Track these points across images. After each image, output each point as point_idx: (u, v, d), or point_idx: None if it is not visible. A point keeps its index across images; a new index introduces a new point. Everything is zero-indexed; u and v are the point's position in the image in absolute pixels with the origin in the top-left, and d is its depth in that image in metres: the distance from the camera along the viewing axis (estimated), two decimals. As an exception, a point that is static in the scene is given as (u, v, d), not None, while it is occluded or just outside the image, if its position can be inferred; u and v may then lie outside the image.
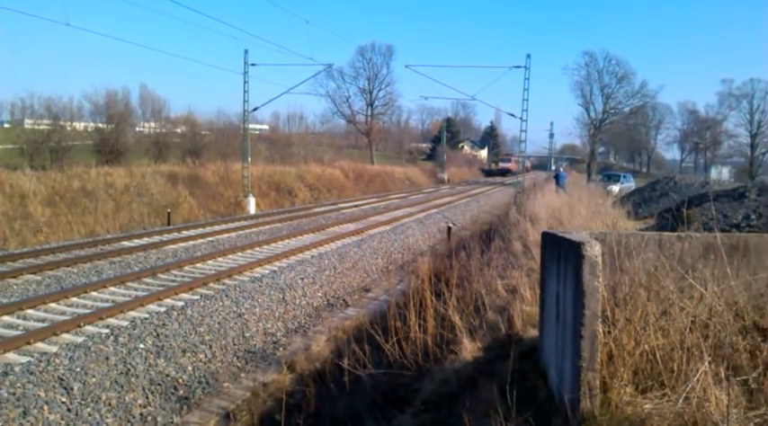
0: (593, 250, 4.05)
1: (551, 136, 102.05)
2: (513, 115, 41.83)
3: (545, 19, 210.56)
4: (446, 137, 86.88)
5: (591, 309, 4.02)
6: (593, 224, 13.99)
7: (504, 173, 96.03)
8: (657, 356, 4.25)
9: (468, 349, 6.80)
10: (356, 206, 34.65)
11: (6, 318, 10.65)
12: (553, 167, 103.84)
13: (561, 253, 4.81)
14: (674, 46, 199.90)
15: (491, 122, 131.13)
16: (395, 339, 8.19)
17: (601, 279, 4.07)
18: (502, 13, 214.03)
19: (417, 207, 34.36)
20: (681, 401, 3.81)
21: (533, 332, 6.59)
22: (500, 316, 7.63)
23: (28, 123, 45.47)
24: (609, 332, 4.35)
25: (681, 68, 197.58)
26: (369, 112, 78.14)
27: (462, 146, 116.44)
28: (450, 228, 23.10)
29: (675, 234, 5.41)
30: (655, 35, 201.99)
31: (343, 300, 14.95)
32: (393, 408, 6.88)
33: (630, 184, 48.84)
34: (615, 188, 40.52)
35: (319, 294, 14.84)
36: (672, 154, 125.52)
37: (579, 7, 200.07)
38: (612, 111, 75.59)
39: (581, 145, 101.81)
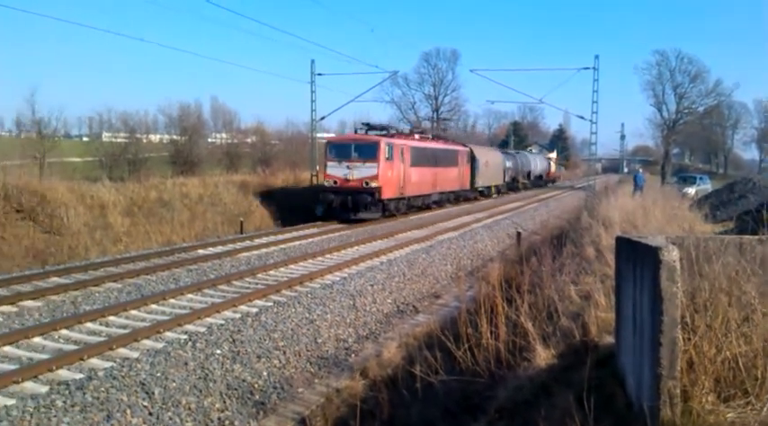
0: (671, 255, 3.98)
1: (623, 137, 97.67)
2: (582, 117, 40.68)
3: (613, 19, 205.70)
4: (513, 141, 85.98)
5: (670, 315, 3.95)
6: (670, 228, 13.63)
7: (349, 208, 26.90)
8: (740, 363, 4.14)
9: (542, 356, 6.75)
10: (424, 212, 34.63)
11: (90, 325, 11.06)
12: (626, 169, 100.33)
13: (637, 259, 4.74)
14: (748, 42, 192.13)
15: (560, 125, 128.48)
16: (466, 345, 8.18)
17: (679, 285, 3.99)
18: (569, 14, 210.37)
19: (485, 212, 34.09)
20: (765, 409, 3.71)
21: (609, 339, 6.49)
22: (574, 323, 7.52)
23: (106, 136, 47.26)
24: (689, 339, 4.26)
25: (756, 65, 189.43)
26: (435, 118, 78.07)
27: (530, 150, 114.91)
28: (519, 234, 22.87)
29: (756, 237, 5.26)
30: (727, 31, 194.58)
31: (413, 307, 14.99)
32: (466, 415, 6.88)
33: (707, 186, 47.22)
34: (691, 190, 39.27)
35: (389, 300, 14.93)
36: (750, 154, 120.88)
37: (648, 6, 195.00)
38: (686, 111, 73.35)
39: (654, 146, 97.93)
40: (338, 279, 15.48)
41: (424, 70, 77.35)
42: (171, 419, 8.14)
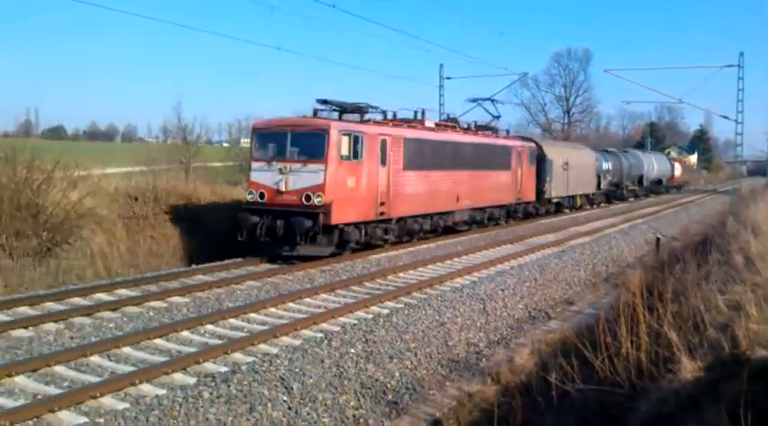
0: (841, 264, 3.69)
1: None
2: (726, 117, 37.33)
3: (758, 14, 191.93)
4: (650, 142, 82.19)
5: (839, 329, 3.67)
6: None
7: (280, 237, 16.39)
8: None
9: (688, 368, 6.42)
10: (554, 215, 33.82)
11: (233, 321, 11.64)
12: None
13: (799, 268, 4.43)
14: None
15: (700, 125, 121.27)
16: (604, 354, 7.91)
17: None
18: (710, 9, 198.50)
19: (620, 216, 32.82)
20: None
21: (762, 352, 6.10)
22: (722, 334, 7.10)
23: (244, 142, 49.44)
24: None
25: None
26: (565, 120, 76.20)
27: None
28: (658, 239, 21.88)
29: None
30: None
31: (546, 313, 14.70)
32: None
33: None
34: None
35: (520, 305, 14.71)
36: None
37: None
38: (841, 109, 67.27)
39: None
40: (468, 282, 15.43)
41: (554, 71, 76.10)
42: (308, 414, 8.41)
